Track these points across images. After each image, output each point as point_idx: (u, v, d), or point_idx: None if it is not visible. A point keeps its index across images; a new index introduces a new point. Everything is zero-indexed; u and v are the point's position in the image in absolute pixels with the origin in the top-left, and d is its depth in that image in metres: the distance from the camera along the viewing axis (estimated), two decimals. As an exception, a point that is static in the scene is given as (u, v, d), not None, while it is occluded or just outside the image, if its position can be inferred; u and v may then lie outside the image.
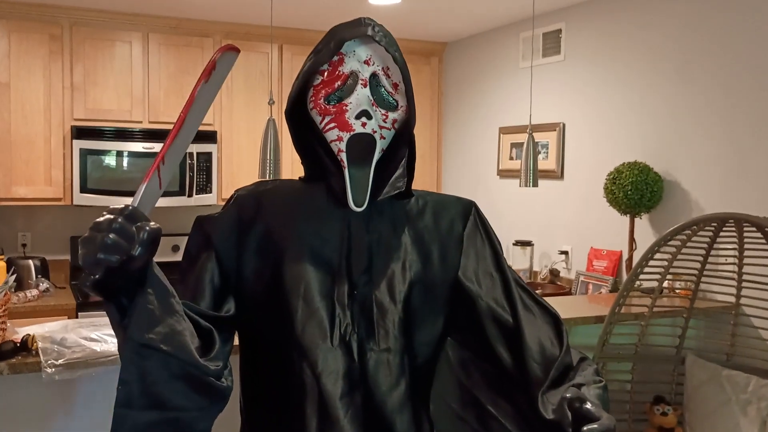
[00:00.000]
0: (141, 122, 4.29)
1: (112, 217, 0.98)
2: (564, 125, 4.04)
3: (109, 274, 0.98)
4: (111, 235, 0.96)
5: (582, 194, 3.91)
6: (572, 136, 4.01)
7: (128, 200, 1.04)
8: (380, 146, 1.27)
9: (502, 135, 4.54)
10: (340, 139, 1.26)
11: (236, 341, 1.32)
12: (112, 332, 1.66)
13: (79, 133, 4.09)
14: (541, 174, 3.57)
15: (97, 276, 0.98)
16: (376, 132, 1.26)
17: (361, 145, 1.26)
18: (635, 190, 3.29)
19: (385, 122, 1.27)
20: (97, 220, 0.99)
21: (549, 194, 4.12)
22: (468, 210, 1.39)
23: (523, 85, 4.22)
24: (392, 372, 1.26)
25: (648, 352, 2.99)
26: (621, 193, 3.34)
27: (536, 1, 3.73)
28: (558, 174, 4.06)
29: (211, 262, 1.27)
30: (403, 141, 1.32)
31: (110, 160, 4.18)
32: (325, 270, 1.26)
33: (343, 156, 1.25)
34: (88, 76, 4.18)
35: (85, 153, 4.09)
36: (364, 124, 1.25)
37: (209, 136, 4.37)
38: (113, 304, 1.04)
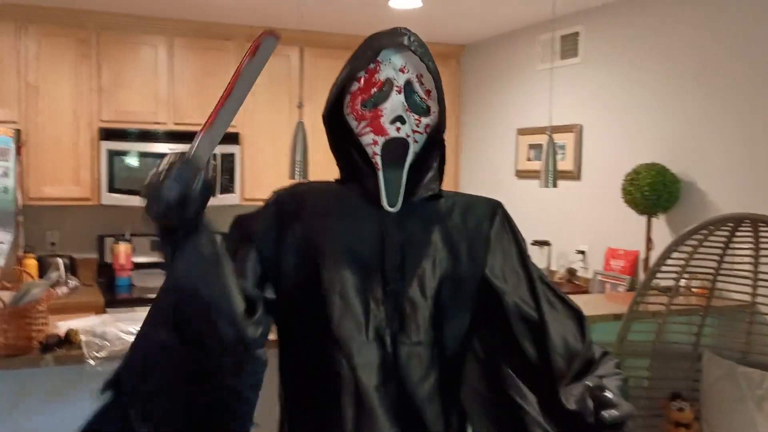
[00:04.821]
0: (166, 124, 4.38)
1: (174, 160, 1.15)
2: (582, 127, 4.09)
3: (168, 210, 1.14)
4: (173, 173, 1.13)
5: (599, 195, 3.95)
6: (590, 137, 4.06)
7: None
8: (413, 150, 1.34)
9: (519, 136, 4.59)
10: (375, 143, 1.32)
11: (274, 336, 1.38)
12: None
13: (106, 134, 4.20)
14: (558, 175, 3.62)
15: (157, 210, 1.14)
16: (409, 136, 1.33)
17: (395, 148, 1.32)
18: (652, 190, 3.33)
19: (418, 127, 1.34)
20: (161, 161, 1.16)
21: (566, 195, 4.17)
22: (495, 210, 1.45)
23: (541, 87, 4.26)
24: (423, 364, 1.32)
25: (665, 349, 3.02)
26: (638, 193, 3.37)
27: (555, 5, 3.77)
28: (575, 175, 4.11)
29: (252, 253, 1.34)
30: (435, 145, 1.38)
31: (136, 161, 4.27)
32: (360, 267, 1.33)
33: (378, 159, 1.32)
34: (114, 78, 4.28)
35: (112, 154, 4.19)
36: (398, 129, 1.32)
37: (232, 138, 4.45)
38: (168, 243, 1.20)
